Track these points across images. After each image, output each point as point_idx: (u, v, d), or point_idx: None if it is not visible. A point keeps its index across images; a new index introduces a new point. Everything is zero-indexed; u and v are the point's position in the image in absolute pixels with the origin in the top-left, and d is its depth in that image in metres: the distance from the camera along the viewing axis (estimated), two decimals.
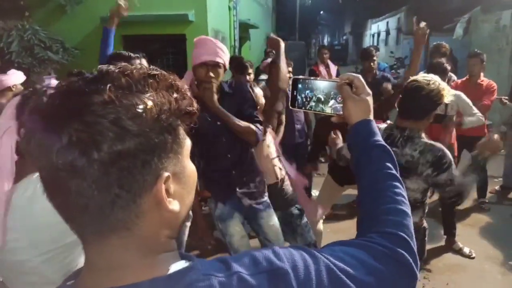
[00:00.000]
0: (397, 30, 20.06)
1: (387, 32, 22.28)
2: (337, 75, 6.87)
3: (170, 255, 0.58)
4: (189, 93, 0.58)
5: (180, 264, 0.57)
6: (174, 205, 0.55)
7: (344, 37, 38.92)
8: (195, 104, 0.59)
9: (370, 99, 0.86)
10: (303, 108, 0.93)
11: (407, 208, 0.75)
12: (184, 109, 0.56)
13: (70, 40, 6.76)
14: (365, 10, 24.83)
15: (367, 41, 26.89)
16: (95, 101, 0.49)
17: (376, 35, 25.23)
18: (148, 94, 0.52)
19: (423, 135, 1.97)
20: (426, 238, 2.19)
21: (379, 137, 0.83)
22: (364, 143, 0.83)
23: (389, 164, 0.80)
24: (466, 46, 8.50)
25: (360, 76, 0.87)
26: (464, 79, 4.31)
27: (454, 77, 4.45)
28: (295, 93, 0.94)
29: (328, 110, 0.91)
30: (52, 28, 6.69)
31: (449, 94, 1.96)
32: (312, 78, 0.93)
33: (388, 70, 11.48)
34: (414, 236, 0.72)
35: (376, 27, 25.00)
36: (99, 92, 0.49)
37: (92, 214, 0.51)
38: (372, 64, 4.61)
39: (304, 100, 0.93)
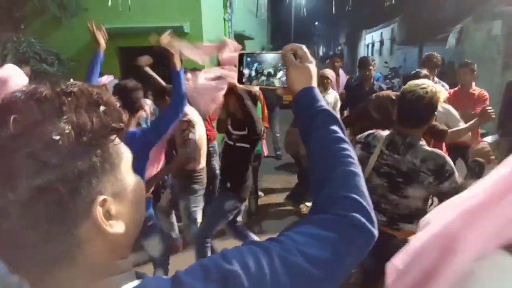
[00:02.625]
0: (391, 41, 20.29)
1: (381, 43, 22.52)
2: (347, 85, 6.80)
3: (123, 276, 0.55)
4: (117, 105, 0.54)
5: (132, 284, 0.54)
6: (117, 227, 0.52)
7: (339, 48, 39.29)
8: (124, 118, 0.55)
9: (312, 67, 0.85)
10: (251, 83, 0.92)
11: (356, 168, 0.74)
12: (109, 126, 0.52)
13: (66, 52, 6.78)
14: (359, 21, 25.12)
15: (362, 51, 27.14)
16: (2, 136, 0.45)
17: (370, 45, 25.49)
18: (65, 117, 0.47)
19: (424, 142, 2.00)
20: None
21: (322, 103, 0.82)
22: (308, 109, 0.82)
23: (334, 128, 0.79)
24: (459, 55, 8.62)
25: (303, 46, 0.87)
26: (456, 88, 4.35)
27: (446, 86, 4.49)
28: (241, 69, 0.92)
29: (276, 82, 0.90)
30: (47, 40, 6.72)
31: (444, 94, 2.00)
32: (258, 52, 0.92)
33: (382, 80, 11.60)
34: (366, 193, 0.72)
35: (371, 37, 25.27)
36: (5, 125, 0.45)
37: (29, 252, 0.48)
38: (368, 72, 4.69)
39: (254, 74, 0.91)
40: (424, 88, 1.95)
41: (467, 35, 8.85)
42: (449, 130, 2.68)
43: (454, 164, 1.84)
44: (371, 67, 4.83)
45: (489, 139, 5.97)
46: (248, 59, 0.92)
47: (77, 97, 0.50)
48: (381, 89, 4.59)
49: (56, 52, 6.39)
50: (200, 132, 3.07)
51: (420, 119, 1.97)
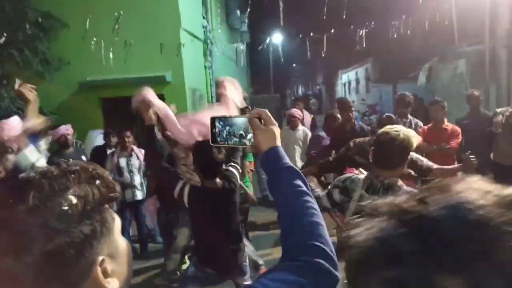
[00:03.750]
0: (366, 79, 21.16)
1: (357, 81, 23.44)
2: (312, 123, 7.14)
3: None
4: (110, 178, 0.65)
5: None
6: (113, 284, 0.60)
7: (317, 87, 40.55)
8: (117, 188, 0.66)
9: (276, 129, 0.99)
10: (225, 143, 1.05)
11: (318, 218, 0.86)
12: (107, 196, 0.63)
13: (48, 106, 6.84)
14: (335, 62, 26.21)
15: (340, 90, 28.12)
16: (20, 209, 0.54)
17: (347, 84, 26.46)
18: (71, 190, 0.58)
19: (401, 182, 2.06)
20: None
21: (286, 160, 0.95)
22: (274, 167, 0.94)
23: (298, 182, 0.91)
24: (430, 92, 9.07)
25: (266, 110, 1.01)
26: (430, 125, 4.57)
27: (420, 123, 4.71)
28: (214, 131, 1.05)
29: (247, 142, 1.02)
30: None
31: (416, 140, 2.08)
32: (228, 116, 1.05)
33: (359, 118, 12.00)
34: (329, 240, 0.82)
35: (347, 76, 26.29)
36: (23, 201, 0.55)
37: None
38: (350, 114, 4.87)
39: (227, 135, 1.04)
40: (397, 131, 2.05)
41: (435, 73, 9.38)
42: (435, 167, 2.76)
43: None
44: (352, 109, 5.05)
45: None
46: (221, 122, 1.05)
47: (79, 173, 0.60)
48: (362, 129, 4.79)
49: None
50: None
51: (394, 160, 2.03)
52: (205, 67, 10.36)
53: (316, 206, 0.89)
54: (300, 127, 5.66)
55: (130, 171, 4.58)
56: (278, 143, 0.98)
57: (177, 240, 3.77)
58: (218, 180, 2.50)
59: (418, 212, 0.44)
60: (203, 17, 10.17)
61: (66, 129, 4.56)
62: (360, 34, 8.06)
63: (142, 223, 4.77)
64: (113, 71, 7.32)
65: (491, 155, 4.66)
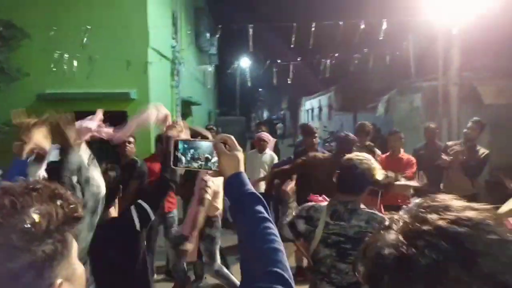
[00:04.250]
0: (329, 107, 21.88)
1: (320, 108, 24.18)
2: (275, 147, 7.23)
3: None
4: (72, 198, 0.64)
5: None
6: None
7: (282, 112, 41.39)
8: (80, 209, 0.64)
9: (240, 155, 1.00)
10: (189, 166, 1.04)
11: (278, 244, 0.88)
12: (71, 216, 0.61)
13: (3, 117, 6.49)
14: (299, 89, 26.98)
15: (303, 116, 28.83)
16: None
17: (310, 111, 27.22)
18: (33, 208, 0.55)
19: (363, 206, 2.10)
20: None
21: (249, 187, 0.97)
22: (237, 192, 0.95)
23: (259, 208, 0.92)
24: (388, 123, 9.52)
25: (232, 136, 1.02)
26: (387, 154, 4.77)
27: (378, 152, 4.91)
28: (176, 153, 1.04)
29: (212, 166, 1.03)
30: None
31: (380, 172, 2.14)
32: (192, 139, 1.06)
33: (321, 144, 12.29)
34: (287, 266, 0.84)
35: (310, 103, 27.08)
36: None
37: None
38: (314, 140, 4.95)
39: (191, 159, 1.04)
40: (360, 159, 2.11)
41: (393, 105, 9.88)
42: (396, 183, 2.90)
43: None
44: (316, 135, 5.16)
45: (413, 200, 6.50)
46: (185, 145, 1.04)
47: (42, 191, 0.58)
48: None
49: None
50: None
51: (356, 185, 2.08)
52: (171, 86, 10.31)
53: (276, 232, 0.90)
54: (267, 151, 5.69)
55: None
56: (242, 169, 0.99)
57: (175, 264, 3.84)
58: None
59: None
60: (173, 38, 10.19)
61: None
62: (326, 64, 8.39)
63: None
64: (75, 85, 7.11)
65: (441, 186, 4.90)
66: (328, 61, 8.41)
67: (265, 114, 53.54)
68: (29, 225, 0.53)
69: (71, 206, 0.61)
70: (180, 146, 1.04)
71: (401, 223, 0.55)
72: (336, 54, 8.56)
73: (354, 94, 15.86)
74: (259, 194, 0.96)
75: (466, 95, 7.64)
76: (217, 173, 1.02)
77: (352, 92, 16.48)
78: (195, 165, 1.03)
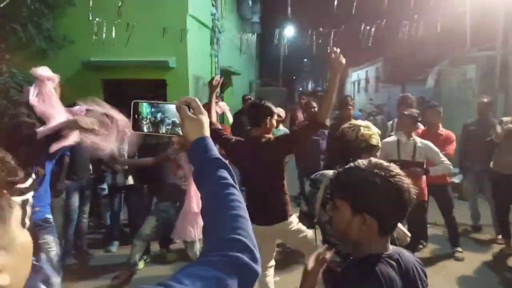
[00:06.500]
0: (376, 79, 20.92)
1: (367, 80, 23.18)
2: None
3: None
4: (12, 162, 0.59)
5: None
6: (1, 279, 0.54)
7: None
8: (20, 173, 0.59)
9: (205, 118, 0.94)
10: (149, 130, 0.96)
11: (242, 211, 0.83)
12: (5, 180, 0.56)
13: None
14: (346, 59, 25.99)
15: (349, 88, 27.85)
16: None
17: (356, 83, 26.21)
18: None
19: None
20: None
21: (214, 152, 0.91)
22: (201, 158, 0.90)
23: (224, 174, 0.87)
24: (437, 96, 8.90)
25: (196, 99, 0.95)
26: (424, 129, 4.52)
27: (420, 125, 4.63)
28: (136, 116, 0.96)
29: (179, 131, 0.95)
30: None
31: (374, 137, 2.05)
32: (153, 102, 0.96)
33: (361, 118, 11.80)
34: (251, 234, 0.79)
35: (357, 75, 26.03)
36: None
37: None
38: (347, 111, 4.88)
39: (152, 122, 0.95)
40: (349, 127, 2.06)
41: (444, 77, 9.18)
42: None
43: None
44: (349, 107, 4.97)
45: (456, 179, 6.11)
46: (149, 108, 0.95)
47: None
48: None
49: None
50: None
51: (346, 155, 2.00)
52: (211, 55, 10.27)
53: (241, 198, 0.86)
54: (281, 127, 5.33)
55: (122, 156, 4.54)
56: (207, 133, 0.93)
57: (142, 228, 3.78)
58: None
59: None
60: (212, 5, 10.04)
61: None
62: (372, 32, 7.88)
63: (133, 208, 4.73)
64: (115, 53, 7.27)
65: (491, 164, 4.56)
66: (375, 28, 7.89)
67: (310, 86, 52.47)
68: None
69: (9, 170, 0.57)
70: (144, 109, 0.96)
71: None
72: (384, 21, 8.00)
73: (403, 65, 14.95)
74: (224, 160, 0.90)
75: None
76: (182, 138, 0.96)
77: (401, 63, 15.54)
78: (162, 130, 0.96)
